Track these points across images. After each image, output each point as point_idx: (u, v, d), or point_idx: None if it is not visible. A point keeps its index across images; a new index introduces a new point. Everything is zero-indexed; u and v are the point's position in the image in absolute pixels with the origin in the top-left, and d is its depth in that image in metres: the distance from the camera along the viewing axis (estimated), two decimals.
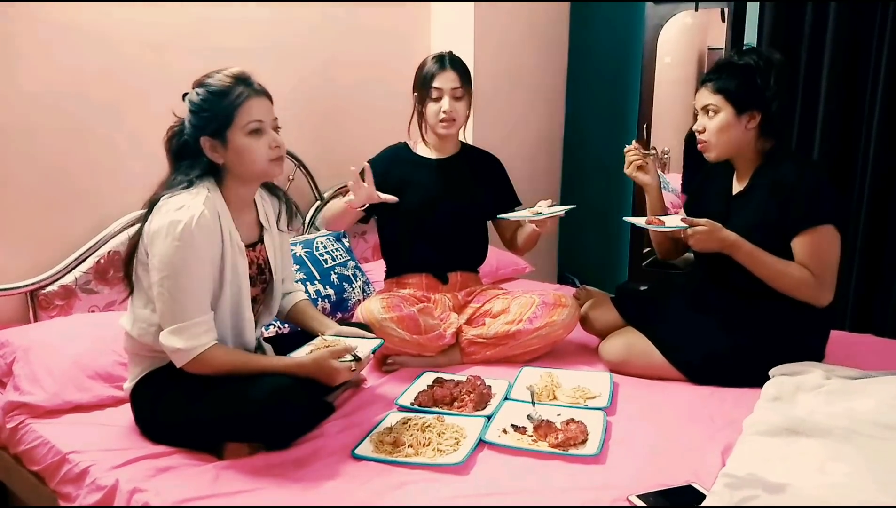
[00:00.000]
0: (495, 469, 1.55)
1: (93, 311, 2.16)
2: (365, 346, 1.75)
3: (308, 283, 2.47)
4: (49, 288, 2.08)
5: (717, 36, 3.46)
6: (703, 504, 1.32)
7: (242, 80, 1.63)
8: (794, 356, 1.96)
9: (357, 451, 1.61)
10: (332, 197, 2.91)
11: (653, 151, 2.26)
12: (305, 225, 2.81)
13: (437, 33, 3.33)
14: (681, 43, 3.82)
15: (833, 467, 1.40)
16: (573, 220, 4.18)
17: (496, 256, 2.91)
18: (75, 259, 2.13)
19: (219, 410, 1.56)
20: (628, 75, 3.88)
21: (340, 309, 2.53)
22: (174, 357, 1.58)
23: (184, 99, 1.64)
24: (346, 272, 2.62)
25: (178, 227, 1.53)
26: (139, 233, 1.61)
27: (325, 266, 2.57)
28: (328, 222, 2.29)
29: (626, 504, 1.40)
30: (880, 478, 1.34)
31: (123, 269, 1.66)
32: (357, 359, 1.67)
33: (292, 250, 2.53)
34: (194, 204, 1.56)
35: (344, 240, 2.76)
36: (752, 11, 3.23)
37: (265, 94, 1.67)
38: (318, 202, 2.86)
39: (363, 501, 1.43)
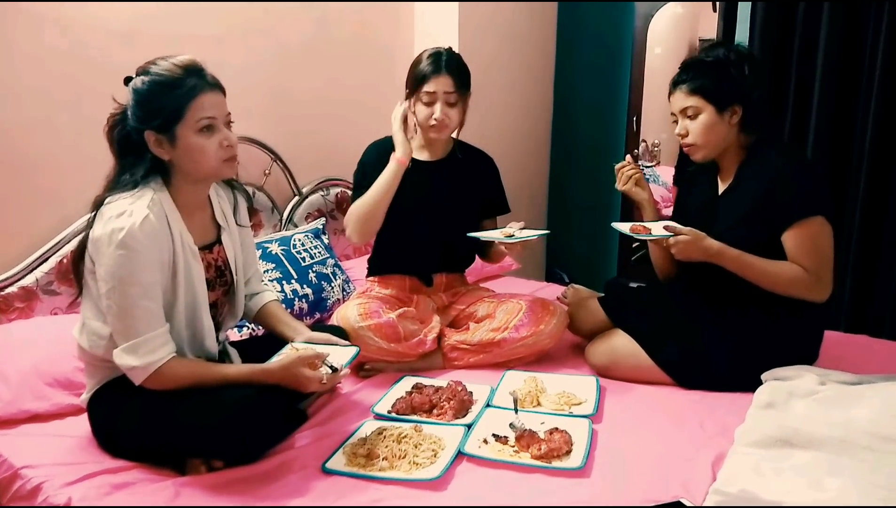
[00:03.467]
0: (474, 483, 1.47)
1: (55, 313, 2.05)
2: (340, 355, 1.66)
3: (284, 282, 2.37)
4: (8, 289, 1.98)
5: (708, 26, 3.36)
6: None
7: (194, 71, 1.51)
8: (787, 358, 1.88)
9: (328, 465, 1.52)
10: (312, 192, 2.81)
11: (643, 164, 2.17)
12: (283, 222, 2.71)
13: (420, 26, 3.23)
14: (672, 33, 3.73)
15: (830, 482, 1.32)
16: (562, 215, 4.15)
17: None
18: (36, 259, 2.03)
19: (179, 424, 1.46)
20: (618, 67, 3.78)
21: (319, 309, 2.43)
22: (131, 375, 1.48)
23: (126, 84, 1.53)
24: (325, 271, 2.52)
25: (120, 235, 1.42)
26: (85, 239, 1.51)
27: (303, 265, 2.48)
28: (363, 222, 2.10)
29: None
30: (879, 495, 1.27)
31: (73, 273, 1.56)
32: (334, 370, 1.57)
33: (268, 247, 2.44)
34: (137, 208, 1.46)
35: (323, 237, 2.67)
36: (745, 6, 3.14)
37: (218, 86, 1.55)
38: (297, 198, 2.76)
39: None
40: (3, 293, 1.98)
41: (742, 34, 3.10)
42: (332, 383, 1.56)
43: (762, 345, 1.91)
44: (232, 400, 1.46)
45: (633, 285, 2.82)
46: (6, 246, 2.00)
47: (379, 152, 2.17)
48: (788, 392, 1.72)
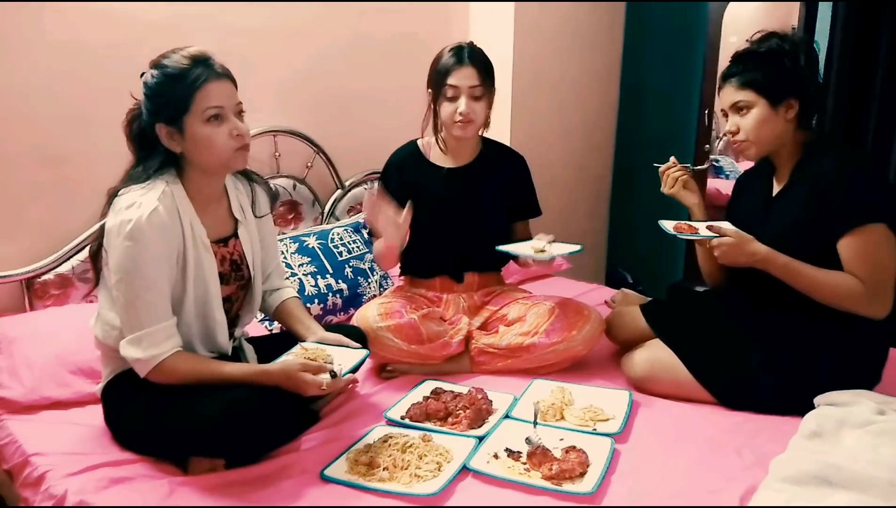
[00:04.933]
0: (474, 502, 1.38)
1: (90, 302, 2.09)
2: (347, 358, 1.60)
3: (319, 276, 2.34)
4: (45, 277, 2.03)
5: (790, 13, 3.12)
6: None
7: (202, 61, 1.48)
8: (845, 380, 1.70)
9: (327, 472, 1.47)
10: (355, 185, 2.77)
11: (689, 166, 2.02)
12: (324, 215, 2.68)
13: (475, 25, 3.14)
14: (749, 22, 3.48)
15: None
16: (626, 214, 3.96)
17: None
18: (72, 248, 2.07)
19: (175, 423, 1.44)
20: (689, 58, 3.56)
21: (354, 305, 2.38)
22: (135, 367, 1.48)
23: (141, 79, 1.52)
24: (362, 266, 2.47)
25: (128, 226, 1.41)
26: (102, 230, 1.51)
27: (340, 259, 2.44)
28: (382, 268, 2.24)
29: None
30: None
31: (91, 265, 1.57)
32: (333, 375, 1.51)
33: (305, 241, 2.41)
34: (147, 201, 1.44)
35: (363, 231, 2.62)
36: (825, 6, 2.90)
37: (227, 76, 1.52)
38: (339, 191, 2.72)
39: None
40: (40, 280, 2.03)
41: (823, 32, 2.87)
42: (332, 388, 1.50)
43: (815, 364, 1.73)
44: (230, 400, 1.43)
45: (700, 289, 2.64)
46: (44, 236, 2.05)
47: (398, 160, 2.18)
48: (840, 421, 1.54)
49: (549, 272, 2.92)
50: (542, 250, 1.95)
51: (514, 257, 2.12)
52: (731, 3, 3.37)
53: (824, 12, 2.91)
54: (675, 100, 3.66)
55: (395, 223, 1.91)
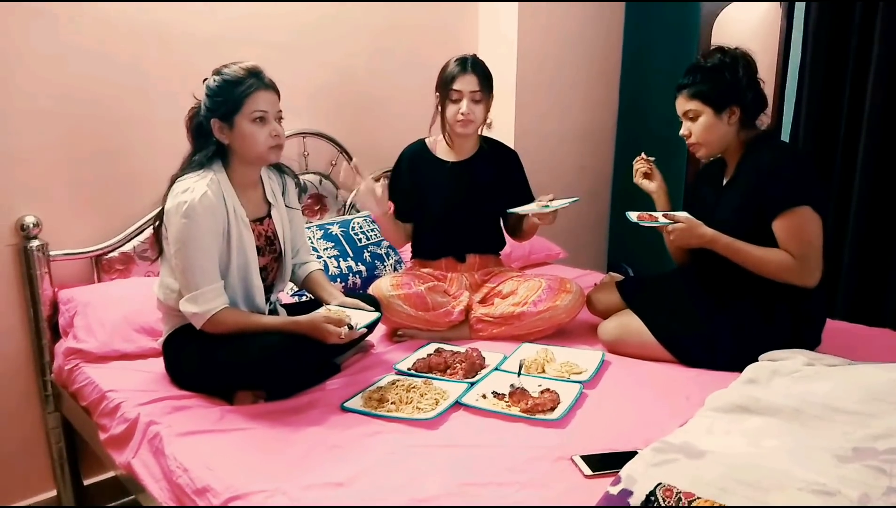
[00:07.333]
0: (462, 426, 1.71)
1: (148, 276, 2.46)
2: (361, 318, 1.94)
3: (341, 259, 2.69)
4: (111, 254, 2.40)
5: (775, 24, 3.40)
6: (626, 464, 1.42)
7: (255, 73, 1.85)
8: (786, 344, 2.00)
9: (346, 404, 1.81)
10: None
11: (653, 159, 2.34)
12: (346, 207, 3.04)
13: (484, 26, 3.47)
14: (738, 29, 3.76)
15: (768, 442, 1.46)
16: (627, 209, 4.22)
17: (530, 241, 3.03)
18: (134, 230, 2.44)
19: (225, 359, 1.79)
20: (684, 63, 3.83)
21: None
22: (192, 320, 1.83)
23: (204, 83, 1.88)
24: (379, 251, 2.82)
25: (183, 207, 1.77)
26: (162, 210, 1.87)
27: (359, 245, 2.79)
28: (391, 242, 2.51)
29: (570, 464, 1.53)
30: (802, 454, 1.40)
31: (154, 238, 1.93)
32: (350, 328, 1.86)
33: (329, 228, 2.77)
34: (198, 186, 1.80)
35: None
36: (800, 6, 3.17)
37: (273, 88, 1.88)
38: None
39: (338, 443, 1.62)
40: (106, 257, 2.40)
41: (798, 34, 3.14)
42: (349, 337, 1.84)
43: (762, 329, 2.03)
44: (269, 342, 1.78)
45: None
46: (111, 219, 2.42)
47: (407, 155, 2.52)
48: (773, 371, 1.83)
49: (547, 261, 3.24)
50: (546, 206, 2.27)
51: (513, 228, 2.55)
52: (720, 15, 3.66)
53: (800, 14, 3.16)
54: (672, 97, 3.93)
55: (372, 194, 2.23)
